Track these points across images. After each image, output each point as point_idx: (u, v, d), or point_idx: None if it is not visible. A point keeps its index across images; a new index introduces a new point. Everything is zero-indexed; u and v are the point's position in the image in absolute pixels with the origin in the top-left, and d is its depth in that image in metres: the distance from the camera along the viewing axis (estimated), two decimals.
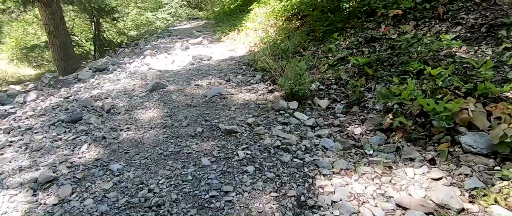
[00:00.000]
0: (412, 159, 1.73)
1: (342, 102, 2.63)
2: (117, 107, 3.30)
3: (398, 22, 3.44)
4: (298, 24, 5.63)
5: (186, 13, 14.64)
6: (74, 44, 9.60)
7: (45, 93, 4.52)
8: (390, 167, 1.67)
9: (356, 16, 4.03)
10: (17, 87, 6.36)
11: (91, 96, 3.75)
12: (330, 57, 3.36)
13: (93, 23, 9.58)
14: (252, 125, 2.28)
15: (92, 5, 7.85)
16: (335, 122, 2.27)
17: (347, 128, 2.18)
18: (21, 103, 4.10)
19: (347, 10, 4.43)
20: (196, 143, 2.16)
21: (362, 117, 2.30)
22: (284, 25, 5.90)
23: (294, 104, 2.60)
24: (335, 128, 2.19)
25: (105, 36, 9.47)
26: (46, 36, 7.08)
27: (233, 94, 3.12)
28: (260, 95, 3.05)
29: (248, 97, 3.01)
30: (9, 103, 4.28)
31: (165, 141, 2.28)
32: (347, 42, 3.58)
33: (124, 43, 9.05)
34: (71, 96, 3.93)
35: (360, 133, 2.09)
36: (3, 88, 6.74)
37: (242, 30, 6.96)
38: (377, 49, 3.06)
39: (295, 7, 5.72)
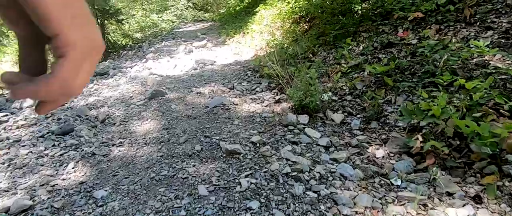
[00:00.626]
0: (450, 194, 1.41)
1: (358, 116, 2.32)
2: (113, 117, 3.03)
3: (417, 25, 3.10)
4: (306, 27, 5.31)
5: (191, 15, 14.41)
6: None
7: None
8: (425, 205, 1.35)
9: (370, 19, 3.70)
10: None
11: (87, 104, 3.49)
12: (343, 64, 3.05)
13: (97, 25, 9.40)
14: (257, 145, 1.98)
15: (96, 6, 7.63)
16: (353, 141, 1.96)
17: (367, 150, 1.86)
18: (18, 109, 3.87)
19: (359, 12, 4.11)
20: (194, 166, 1.86)
21: (384, 136, 1.98)
22: (291, 28, 5.59)
23: (304, 118, 2.30)
24: (353, 149, 1.88)
25: (109, 38, 9.27)
26: None
27: (236, 104, 2.82)
28: (266, 105, 2.75)
29: (253, 108, 2.71)
30: (7, 108, 4.05)
31: (159, 162, 1.99)
32: (361, 48, 3.26)
33: (128, 46, 8.83)
34: (66, 103, 3.68)
35: (383, 157, 1.78)
36: (5, 92, 6.55)
37: (247, 32, 6.67)
38: (396, 56, 2.73)
39: (303, 9, 5.40)
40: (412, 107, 1.90)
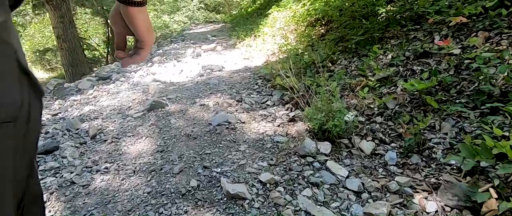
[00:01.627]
0: None
1: (393, 145, 1.84)
2: (105, 132, 2.65)
3: (458, 32, 2.59)
4: (322, 30, 4.83)
5: (203, 16, 14.08)
6: (86, 47, 9.20)
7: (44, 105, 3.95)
8: None
9: (398, 23, 3.20)
10: None
11: (80, 115, 3.12)
12: (369, 76, 2.56)
13: (107, 26, 9.14)
14: (268, 185, 1.53)
15: (104, 7, 7.36)
16: (391, 185, 1.48)
17: (412, 199, 1.39)
18: None
19: (384, 15, 3.61)
20: (185, 212, 1.44)
21: (432, 178, 1.50)
22: (306, 32, 5.11)
23: (325, 147, 1.84)
24: (393, 198, 1.41)
25: None
26: (55, 40, 6.64)
27: (244, 122, 2.38)
28: (279, 125, 2.30)
29: (263, 128, 2.27)
30: None
31: (145, 202, 1.57)
32: (390, 57, 2.77)
33: None
34: (60, 112, 3.33)
35: (435, 211, 1.31)
36: None
37: (259, 35, 6.23)
38: (436, 69, 2.23)
39: (319, 11, 4.92)
40: (471, 144, 1.41)
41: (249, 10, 10.53)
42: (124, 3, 0.54)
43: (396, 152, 1.75)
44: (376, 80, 2.50)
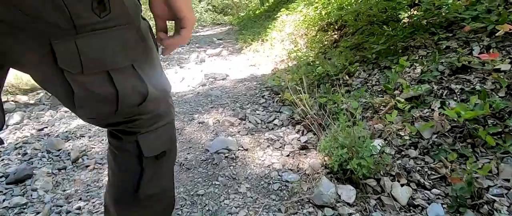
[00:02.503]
0: None
1: (435, 191, 1.42)
2: (89, 154, 2.29)
3: (503, 42, 2.14)
4: (335, 36, 4.40)
5: (211, 18, 13.74)
6: None
7: (33, 115, 3.65)
8: None
9: (426, 30, 2.76)
10: (24, 98, 5.65)
11: (67, 131, 2.77)
12: (396, 95, 2.13)
13: None
14: None
15: None
16: None
17: None
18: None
19: (407, 21, 3.16)
20: None
21: None
22: (317, 37, 4.69)
23: (348, 192, 1.42)
24: None
25: None
26: None
27: (247, 149, 1.98)
28: (289, 154, 1.89)
29: (270, 158, 1.86)
30: None
31: None
32: (419, 70, 2.33)
33: None
34: (46, 127, 2.99)
35: None
36: (11, 98, 6.08)
37: (266, 40, 5.83)
38: (484, 90, 1.79)
39: (332, 14, 4.49)
40: None
41: (257, 12, 10.14)
42: None
43: (442, 204, 1.33)
44: (405, 99, 2.07)
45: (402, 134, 1.82)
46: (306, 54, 4.21)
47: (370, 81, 2.58)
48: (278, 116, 2.53)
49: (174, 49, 0.69)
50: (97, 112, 0.60)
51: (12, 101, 5.12)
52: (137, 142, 0.66)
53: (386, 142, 1.81)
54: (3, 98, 5.38)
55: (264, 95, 3.10)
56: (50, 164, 2.19)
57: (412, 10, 3.28)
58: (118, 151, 0.70)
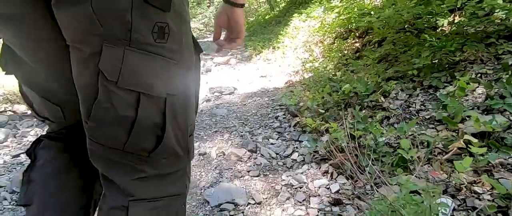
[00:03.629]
0: None
1: None
2: None
3: None
4: (357, 44, 3.85)
5: None
6: None
7: (19, 133, 3.21)
8: None
9: (480, 40, 2.20)
10: (22, 108, 5.28)
11: None
12: (459, 128, 1.58)
13: None
14: None
15: None
16: None
17: None
18: None
19: (448, 28, 2.61)
20: None
21: None
22: (336, 45, 4.15)
23: None
24: None
25: None
26: None
27: (259, 203, 1.46)
28: (318, 214, 1.36)
29: None
30: None
31: None
32: (480, 92, 1.78)
33: None
34: (23, 152, 2.54)
35: None
36: (9, 107, 5.72)
37: (278, 47, 5.32)
38: None
39: (353, 20, 3.95)
40: None
41: (266, 17, 9.65)
42: (233, 6, 0.69)
43: None
44: (471, 134, 1.51)
45: (480, 191, 1.27)
46: (324, 66, 3.68)
47: (413, 105, 2.03)
48: (297, 148, 2.00)
49: (225, 50, 0.79)
50: (105, 136, 0.55)
51: (10, 110, 4.74)
52: (127, 209, 0.55)
53: (458, 200, 1.26)
54: (1, 107, 4.96)
55: (278, 116, 2.58)
56: (11, 211, 1.72)
57: (453, 15, 2.73)
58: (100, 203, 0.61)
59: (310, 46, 4.69)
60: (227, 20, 0.73)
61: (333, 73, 3.20)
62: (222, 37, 0.78)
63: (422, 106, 1.98)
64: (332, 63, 3.76)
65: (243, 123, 2.52)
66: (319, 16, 4.88)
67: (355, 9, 3.69)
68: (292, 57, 4.63)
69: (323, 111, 2.24)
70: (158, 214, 0.57)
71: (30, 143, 0.72)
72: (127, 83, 0.51)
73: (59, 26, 0.50)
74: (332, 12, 3.84)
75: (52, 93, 0.63)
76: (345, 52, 3.87)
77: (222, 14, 0.73)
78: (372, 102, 2.15)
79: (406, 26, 2.99)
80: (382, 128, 1.81)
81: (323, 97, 2.30)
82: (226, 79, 4.12)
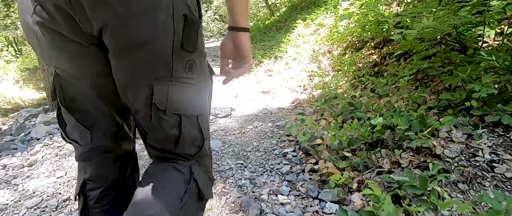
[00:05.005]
0: None
1: None
2: None
3: None
4: (374, 57, 3.27)
5: (217, 27, 12.75)
6: None
7: None
8: None
9: None
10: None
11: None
12: None
13: None
14: None
15: None
16: None
17: None
18: None
19: (498, 42, 2.03)
20: None
21: None
22: (348, 57, 3.57)
23: None
24: None
25: None
26: (31, 61, 5.38)
27: None
28: None
29: None
30: None
31: None
32: None
33: None
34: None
35: None
36: None
37: (280, 57, 4.73)
38: None
39: (367, 29, 3.36)
40: None
41: (266, 22, 9.07)
42: (238, 30, 0.71)
43: None
44: None
45: None
46: (336, 81, 3.08)
47: (479, 152, 1.43)
48: (318, 208, 1.40)
49: (232, 78, 0.80)
50: (160, 145, 0.71)
51: None
52: (190, 168, 0.71)
53: None
54: None
55: (287, 154, 1.98)
56: None
57: (505, 26, 2.14)
58: (167, 170, 0.72)
59: (317, 56, 4.11)
60: (233, 46, 0.75)
61: (350, 94, 2.61)
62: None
63: (493, 155, 1.39)
64: (346, 78, 3.17)
65: (242, 164, 1.91)
66: (325, 24, 4.29)
67: (370, 17, 3.10)
68: (297, 69, 4.04)
69: (348, 154, 1.64)
70: (206, 178, 0.76)
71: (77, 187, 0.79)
72: (172, 109, 0.66)
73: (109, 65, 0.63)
74: (342, 18, 3.25)
75: (87, 115, 0.72)
76: (360, 65, 3.29)
77: (227, 42, 0.75)
78: (416, 143, 1.56)
79: (439, 38, 2.41)
80: (443, 189, 1.21)
81: (348, 139, 1.70)
82: (222, 95, 3.52)
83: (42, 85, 7.65)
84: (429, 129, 1.52)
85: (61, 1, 0.53)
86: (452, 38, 2.19)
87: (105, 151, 0.76)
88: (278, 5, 9.83)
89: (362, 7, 2.89)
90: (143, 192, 0.64)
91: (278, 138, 2.26)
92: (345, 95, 2.75)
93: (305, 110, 2.84)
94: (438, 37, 2.43)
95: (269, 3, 10.51)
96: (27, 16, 0.58)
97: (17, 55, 8.56)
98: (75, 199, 0.79)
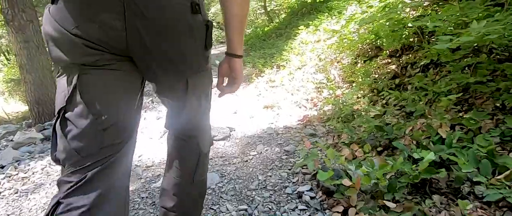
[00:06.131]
0: None
1: None
2: None
3: None
4: (393, 66, 2.85)
5: (214, 35, 12.34)
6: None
7: None
8: None
9: None
10: None
11: None
12: None
13: None
14: None
15: None
16: None
17: None
18: None
19: None
20: None
21: None
22: (361, 66, 3.15)
23: None
24: None
25: None
26: (18, 71, 4.94)
27: None
28: None
29: None
30: None
31: None
32: None
33: None
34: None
35: None
36: None
37: (283, 66, 4.30)
38: None
39: (383, 34, 2.95)
40: None
41: (265, 29, 8.68)
42: (233, 57, 0.88)
43: None
44: None
45: None
46: (350, 96, 2.65)
47: None
48: None
49: (225, 93, 0.96)
50: (185, 121, 0.93)
51: None
52: (198, 143, 0.99)
53: None
54: None
55: (303, 195, 1.52)
56: None
57: None
58: (182, 149, 0.99)
59: (324, 66, 3.69)
60: (228, 68, 0.91)
61: (370, 110, 2.18)
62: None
63: None
64: (361, 91, 2.74)
65: (245, 211, 1.46)
66: (331, 30, 3.88)
67: (388, 23, 2.67)
68: (302, 79, 3.61)
69: (391, 204, 1.20)
70: (208, 143, 1.06)
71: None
72: (195, 91, 0.87)
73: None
74: (361, 23, 2.83)
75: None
76: (376, 76, 2.87)
77: (224, 64, 0.92)
78: (492, 196, 1.11)
79: (475, 45, 1.99)
80: None
81: (389, 185, 1.25)
82: (219, 111, 3.07)
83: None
84: (508, 173, 1.08)
85: (103, 34, 0.67)
86: (501, 45, 1.77)
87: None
88: (276, 11, 9.48)
89: (385, 10, 2.47)
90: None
91: (289, 169, 1.81)
92: (363, 112, 2.32)
93: (317, 130, 2.40)
94: (476, 45, 2.02)
95: (268, 10, 10.15)
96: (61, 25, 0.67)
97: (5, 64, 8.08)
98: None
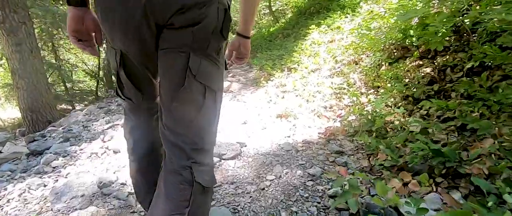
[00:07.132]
0: None
1: None
2: None
3: None
4: (427, 70, 2.44)
5: None
6: (73, 80, 7.15)
7: None
8: None
9: None
10: None
11: None
12: None
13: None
14: None
15: None
16: None
17: None
18: None
19: None
20: None
21: None
22: (386, 68, 2.75)
23: None
24: None
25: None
26: (10, 76, 4.61)
27: None
28: None
29: None
30: None
31: None
32: None
33: (106, 91, 6.43)
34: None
35: None
36: None
37: (295, 69, 3.91)
38: None
39: (412, 34, 2.55)
40: None
41: (271, 30, 8.29)
42: (243, 37, 1.03)
43: None
44: None
45: None
46: (380, 104, 2.25)
47: None
48: None
49: (234, 64, 1.07)
50: (183, 113, 0.83)
51: None
52: (190, 168, 0.83)
53: None
54: None
55: None
56: None
57: None
58: (171, 174, 0.85)
59: (341, 68, 3.29)
60: (238, 46, 1.05)
61: (407, 122, 1.78)
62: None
63: None
64: (392, 99, 2.34)
65: None
66: (341, 27, 3.48)
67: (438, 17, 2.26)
68: (317, 83, 3.22)
69: None
70: (209, 172, 0.87)
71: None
72: (200, 78, 0.82)
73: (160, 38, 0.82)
74: (362, 19, 2.43)
75: (139, 82, 0.94)
76: (406, 80, 2.47)
77: (235, 43, 1.05)
78: None
79: None
80: None
81: None
82: (227, 121, 2.69)
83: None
84: None
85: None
86: None
87: (149, 107, 0.99)
88: (282, 11, 9.09)
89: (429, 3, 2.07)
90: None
91: (318, 203, 1.42)
92: (400, 126, 1.92)
93: (344, 147, 2.01)
94: None
95: (273, 10, 9.75)
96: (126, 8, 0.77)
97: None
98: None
